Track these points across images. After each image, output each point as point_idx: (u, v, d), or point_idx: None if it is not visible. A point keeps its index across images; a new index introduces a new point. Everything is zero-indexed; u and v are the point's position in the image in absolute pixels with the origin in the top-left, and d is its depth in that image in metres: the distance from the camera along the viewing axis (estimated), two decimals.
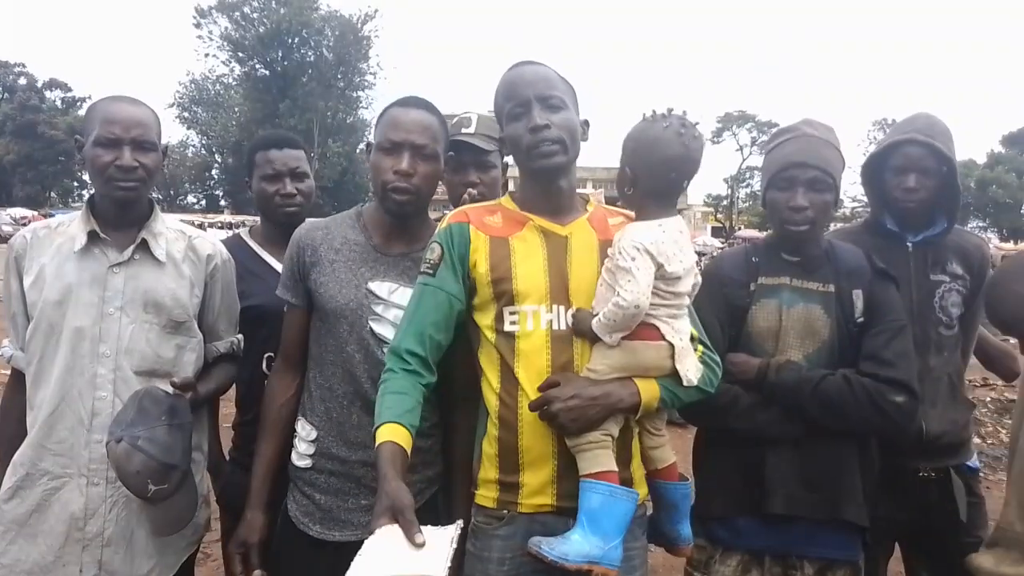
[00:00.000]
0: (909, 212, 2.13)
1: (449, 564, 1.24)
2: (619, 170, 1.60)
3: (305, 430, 1.77)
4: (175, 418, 1.69)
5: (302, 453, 1.77)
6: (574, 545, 1.41)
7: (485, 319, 1.59)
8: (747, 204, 50.90)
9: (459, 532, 1.35)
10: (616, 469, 1.48)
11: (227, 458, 2.26)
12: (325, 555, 1.70)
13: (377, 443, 1.42)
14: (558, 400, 1.47)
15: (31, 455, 1.75)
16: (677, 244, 1.52)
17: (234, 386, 2.16)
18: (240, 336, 2.04)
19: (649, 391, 1.52)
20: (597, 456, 1.48)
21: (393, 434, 1.42)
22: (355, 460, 1.72)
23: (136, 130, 1.74)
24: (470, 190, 2.02)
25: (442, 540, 1.29)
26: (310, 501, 1.74)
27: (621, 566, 1.50)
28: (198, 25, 45.04)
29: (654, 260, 1.48)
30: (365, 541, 1.27)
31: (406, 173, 1.68)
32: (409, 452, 1.43)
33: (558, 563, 1.40)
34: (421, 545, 1.26)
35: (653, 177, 1.56)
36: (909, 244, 2.15)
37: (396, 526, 1.30)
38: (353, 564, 1.22)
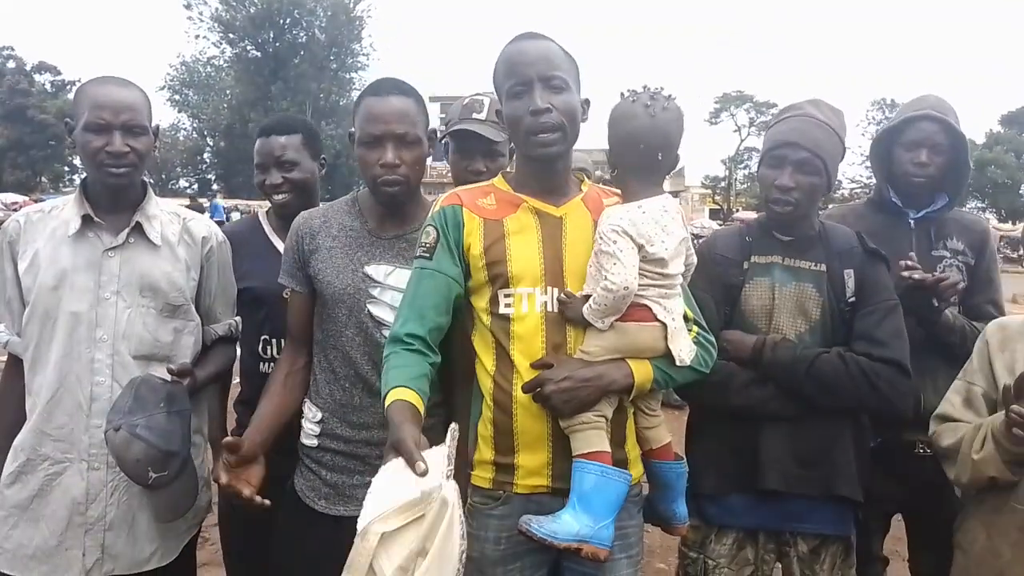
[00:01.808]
0: (916, 187, 2.18)
1: (448, 471, 1.29)
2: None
3: (312, 412, 1.80)
4: (173, 405, 1.69)
5: (309, 433, 1.80)
6: (564, 524, 1.43)
7: (480, 302, 1.59)
8: (745, 186, 50.65)
9: (455, 440, 1.37)
10: (609, 450, 1.49)
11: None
12: (329, 529, 1.73)
13: (385, 407, 1.40)
14: (551, 382, 1.48)
15: (31, 441, 1.75)
16: (659, 224, 1.52)
17: (236, 365, 2.16)
18: (238, 318, 2.04)
19: (643, 372, 1.52)
20: (590, 437, 1.49)
21: (398, 394, 1.40)
22: (359, 440, 1.75)
23: (125, 114, 1.72)
24: None
25: (439, 457, 1.31)
26: (316, 476, 1.78)
27: (616, 544, 1.51)
28: (188, 6, 44.46)
29: (634, 241, 1.49)
30: (373, 479, 1.30)
31: (392, 165, 1.69)
32: (421, 407, 1.41)
33: (547, 541, 1.42)
34: (424, 472, 1.26)
35: (625, 152, 1.57)
36: (911, 220, 2.21)
37: (400, 459, 1.30)
38: (364, 503, 1.26)
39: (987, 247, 2.25)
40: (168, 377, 1.74)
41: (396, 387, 1.42)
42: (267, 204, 2.33)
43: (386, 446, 1.35)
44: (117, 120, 1.72)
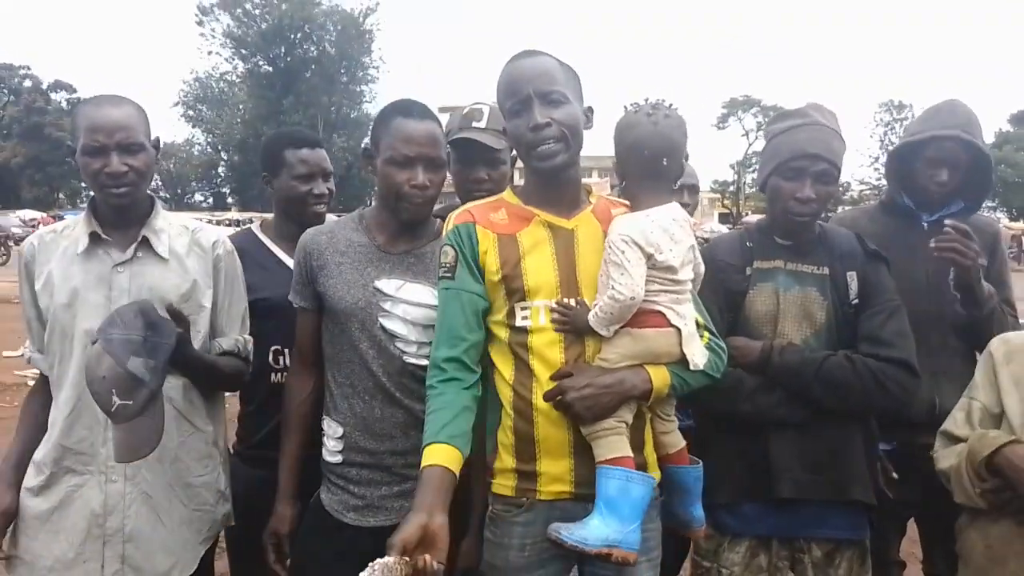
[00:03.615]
0: (932, 199, 2.17)
1: None
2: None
3: (332, 428, 1.81)
4: (156, 334, 1.62)
5: (332, 450, 1.81)
6: (593, 530, 1.43)
7: (496, 315, 1.60)
8: (754, 189, 50.46)
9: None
10: (631, 454, 1.51)
11: (231, 451, 2.24)
12: (360, 541, 1.74)
13: (420, 467, 1.46)
14: (572, 390, 1.49)
15: (54, 454, 1.77)
16: (667, 233, 1.53)
17: None
18: (248, 337, 1.99)
19: (660, 377, 1.54)
20: (612, 442, 1.50)
21: (429, 456, 1.45)
22: (384, 451, 1.76)
23: (120, 134, 1.73)
24: None
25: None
26: (344, 491, 1.79)
27: (638, 548, 1.51)
28: (200, 23, 45.02)
29: (643, 251, 1.50)
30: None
31: (424, 187, 1.73)
32: (453, 465, 1.45)
33: (577, 548, 1.43)
34: None
35: (631, 161, 1.58)
36: (925, 223, 2.19)
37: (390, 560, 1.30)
38: None
39: (998, 248, 2.24)
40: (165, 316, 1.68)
41: (427, 446, 1.46)
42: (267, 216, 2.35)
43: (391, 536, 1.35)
44: (112, 141, 1.72)
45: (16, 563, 1.78)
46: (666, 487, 1.68)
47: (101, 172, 1.73)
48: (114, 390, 1.55)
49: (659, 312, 1.53)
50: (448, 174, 2.20)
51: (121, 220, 1.82)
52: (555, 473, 1.55)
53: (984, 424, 1.76)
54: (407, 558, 1.31)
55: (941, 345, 2.10)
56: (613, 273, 1.49)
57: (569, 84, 1.59)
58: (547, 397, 1.52)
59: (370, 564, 1.28)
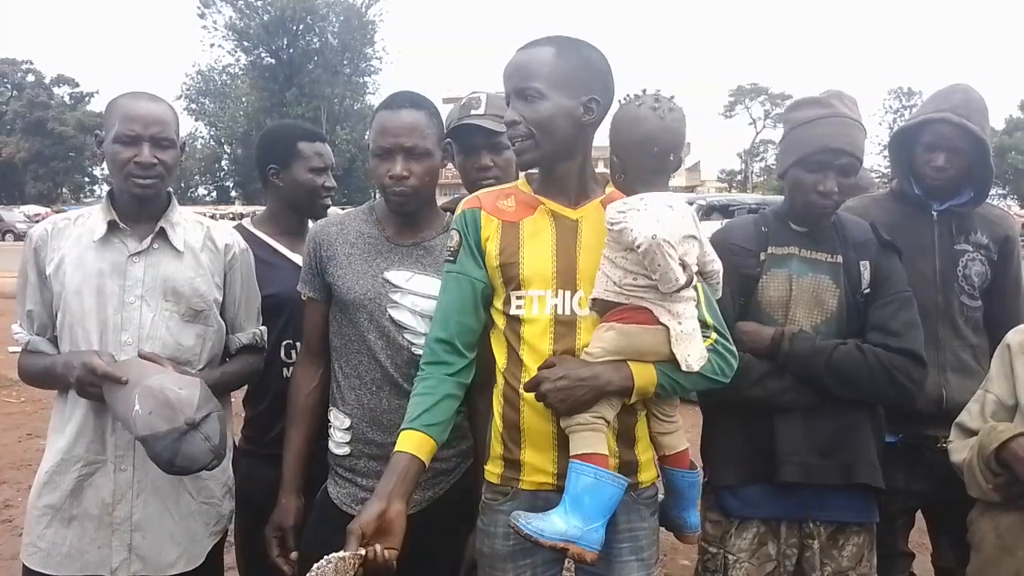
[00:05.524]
0: (936, 187, 2.14)
1: None
2: (609, 160, 1.58)
3: (339, 419, 1.81)
4: (194, 455, 1.63)
5: (339, 442, 1.81)
6: (551, 523, 1.41)
7: (496, 302, 1.61)
8: (761, 179, 50.24)
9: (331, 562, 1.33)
10: (606, 452, 1.48)
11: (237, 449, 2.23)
12: None
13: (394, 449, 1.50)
14: (547, 380, 1.48)
15: (65, 443, 1.78)
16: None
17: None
18: (264, 328, 2.03)
19: (645, 375, 1.49)
20: (586, 438, 1.47)
21: (404, 443, 1.49)
22: (391, 443, 1.73)
23: (155, 127, 1.77)
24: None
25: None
26: (352, 484, 1.80)
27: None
28: (202, 15, 44.93)
29: (673, 246, 1.43)
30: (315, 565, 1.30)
31: (400, 177, 1.72)
32: (423, 453, 1.49)
33: (533, 538, 1.41)
34: None
35: (637, 157, 1.53)
36: (934, 212, 2.16)
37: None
38: None
39: (1014, 251, 2.19)
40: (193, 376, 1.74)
41: (403, 430, 1.52)
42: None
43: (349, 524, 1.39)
44: (147, 132, 1.76)
45: (32, 551, 1.79)
46: (664, 488, 1.67)
47: (130, 161, 1.75)
48: (149, 406, 1.58)
49: (646, 308, 1.47)
50: (453, 167, 2.19)
51: (139, 212, 1.84)
52: (538, 464, 1.55)
53: (997, 417, 1.75)
54: (362, 551, 1.33)
55: (949, 337, 2.09)
56: (627, 221, 1.43)
57: (551, 79, 1.51)
58: (527, 387, 1.52)
59: (325, 557, 1.30)
